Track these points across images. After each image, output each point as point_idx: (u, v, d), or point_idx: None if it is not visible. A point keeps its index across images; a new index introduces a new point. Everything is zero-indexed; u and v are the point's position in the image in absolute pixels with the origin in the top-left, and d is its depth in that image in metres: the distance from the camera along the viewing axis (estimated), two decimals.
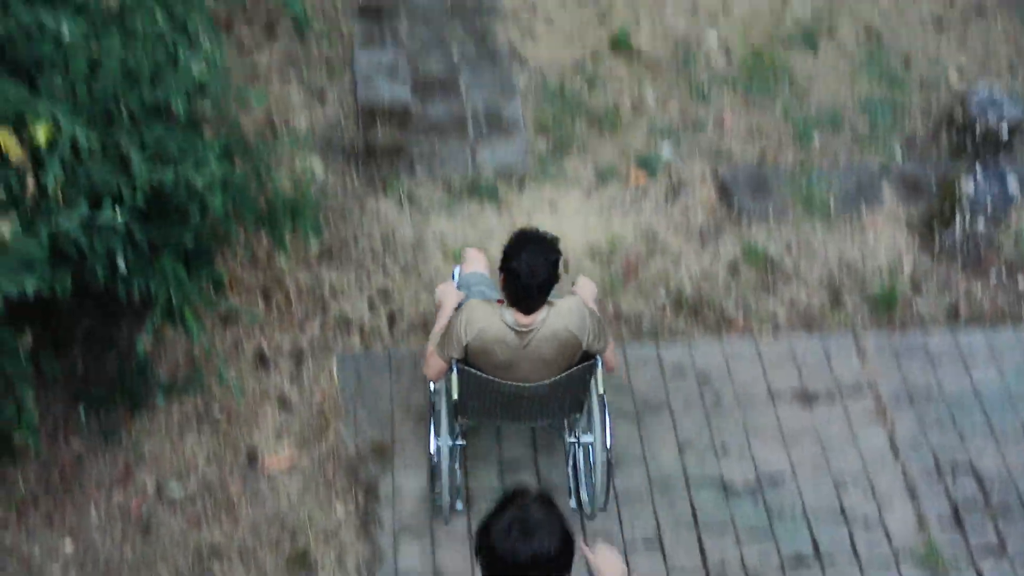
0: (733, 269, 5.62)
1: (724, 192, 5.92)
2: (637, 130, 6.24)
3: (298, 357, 5.04)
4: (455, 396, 3.88)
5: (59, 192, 3.19)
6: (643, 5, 7.09)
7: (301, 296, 5.22)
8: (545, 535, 2.41)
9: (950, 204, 5.65)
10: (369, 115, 6.00)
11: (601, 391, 3.96)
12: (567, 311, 3.78)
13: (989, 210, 5.57)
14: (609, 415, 4.14)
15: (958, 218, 5.61)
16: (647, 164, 6.05)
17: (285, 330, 5.12)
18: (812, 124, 6.37)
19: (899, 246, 5.77)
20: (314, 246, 5.29)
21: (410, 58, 6.39)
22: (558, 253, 3.69)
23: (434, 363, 3.92)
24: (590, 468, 4.30)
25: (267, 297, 5.19)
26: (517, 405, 4.01)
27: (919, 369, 5.27)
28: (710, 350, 5.27)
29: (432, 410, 4.37)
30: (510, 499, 2.49)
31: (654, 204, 5.88)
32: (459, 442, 4.34)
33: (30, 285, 3.13)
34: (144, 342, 4.13)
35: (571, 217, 5.74)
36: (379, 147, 5.88)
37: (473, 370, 3.81)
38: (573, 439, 4.46)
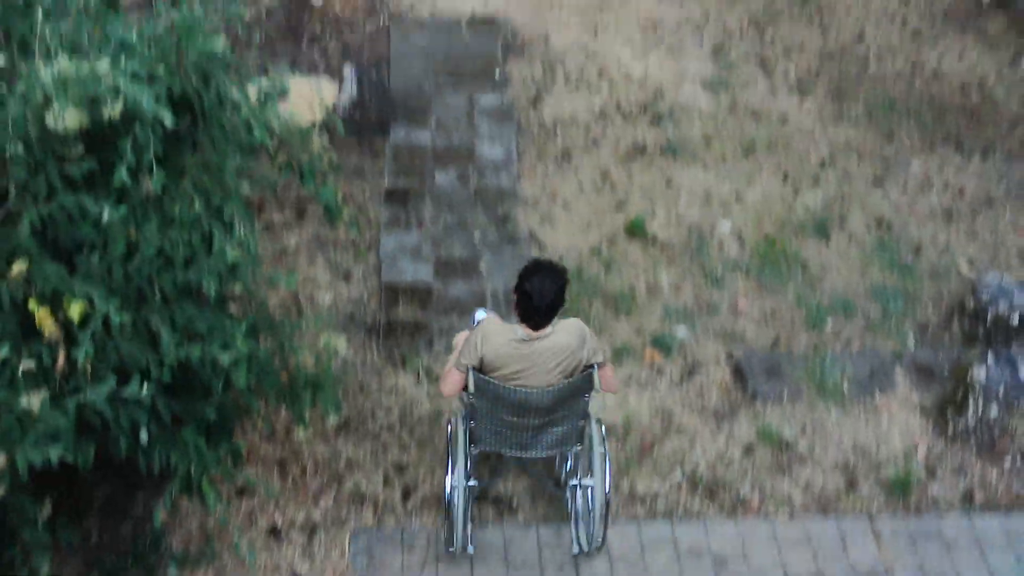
0: (748, 450, 5.65)
1: (739, 374, 6.01)
2: (652, 312, 6.38)
3: (311, 530, 5.05)
4: (470, 396, 4.53)
5: (88, 367, 3.31)
6: (658, 194, 7.37)
7: (317, 469, 5.28)
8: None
9: (963, 390, 5.70)
10: (392, 294, 6.20)
11: (597, 386, 4.55)
12: (570, 327, 4.54)
13: (1002, 396, 5.62)
14: (609, 461, 4.74)
15: (971, 404, 5.65)
16: (662, 344, 6.16)
17: (300, 503, 5.16)
18: (825, 310, 6.50)
19: (913, 431, 5.79)
20: (333, 420, 5.38)
21: (434, 241, 6.63)
22: (566, 279, 4.50)
23: (451, 378, 4.57)
24: (589, 510, 4.82)
25: (283, 469, 5.25)
26: (524, 427, 4.56)
27: (935, 554, 5.21)
28: (725, 532, 5.25)
29: (448, 453, 4.81)
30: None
31: (669, 384, 5.97)
32: (472, 483, 4.75)
33: (55, 455, 3.22)
34: (161, 512, 4.18)
35: None
36: (400, 324, 6.04)
37: (486, 376, 4.43)
38: (575, 482, 4.94)
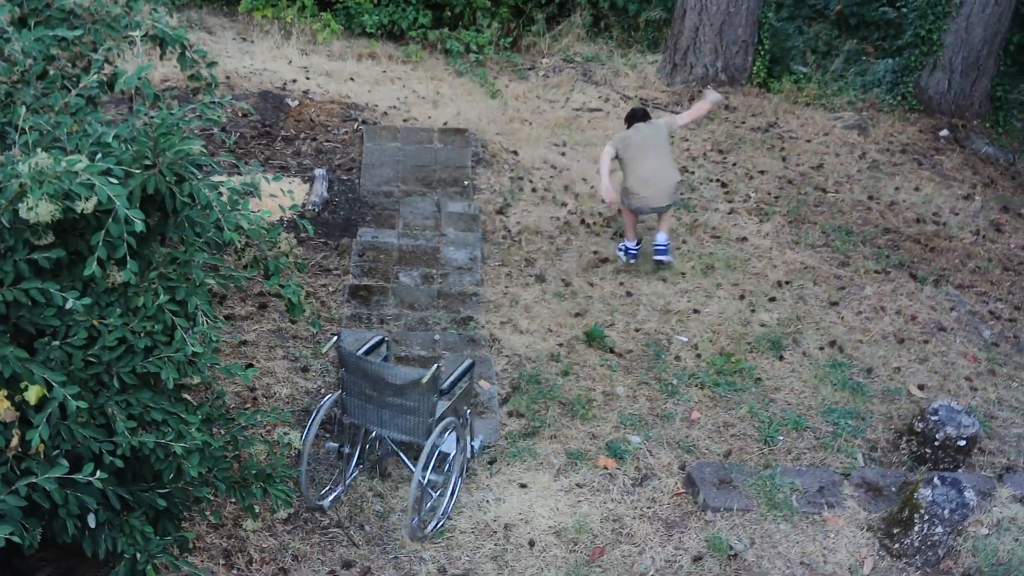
0: (697, 559, 5.68)
1: (690, 483, 6.08)
2: (607, 419, 6.48)
3: None
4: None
5: (42, 450, 3.37)
6: (617, 305, 7.54)
7: (263, 563, 5.26)
8: None
9: (910, 509, 5.80)
10: None
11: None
12: None
13: (947, 517, 5.71)
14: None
15: (917, 523, 5.74)
16: (616, 451, 6.24)
17: None
18: (777, 425, 6.62)
19: (860, 547, 5.86)
20: (282, 513, 5.39)
21: (395, 339, 6.73)
22: None
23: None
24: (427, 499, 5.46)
25: (229, 560, 5.23)
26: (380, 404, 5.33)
27: None
28: None
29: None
30: None
31: (621, 490, 6.03)
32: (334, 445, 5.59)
33: (2, 534, 3.24)
34: None
35: (540, 497, 5.86)
36: None
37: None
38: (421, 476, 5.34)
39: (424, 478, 5.29)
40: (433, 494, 5.49)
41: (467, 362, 5.76)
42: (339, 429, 5.81)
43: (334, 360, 5.46)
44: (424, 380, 5.12)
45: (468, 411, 5.83)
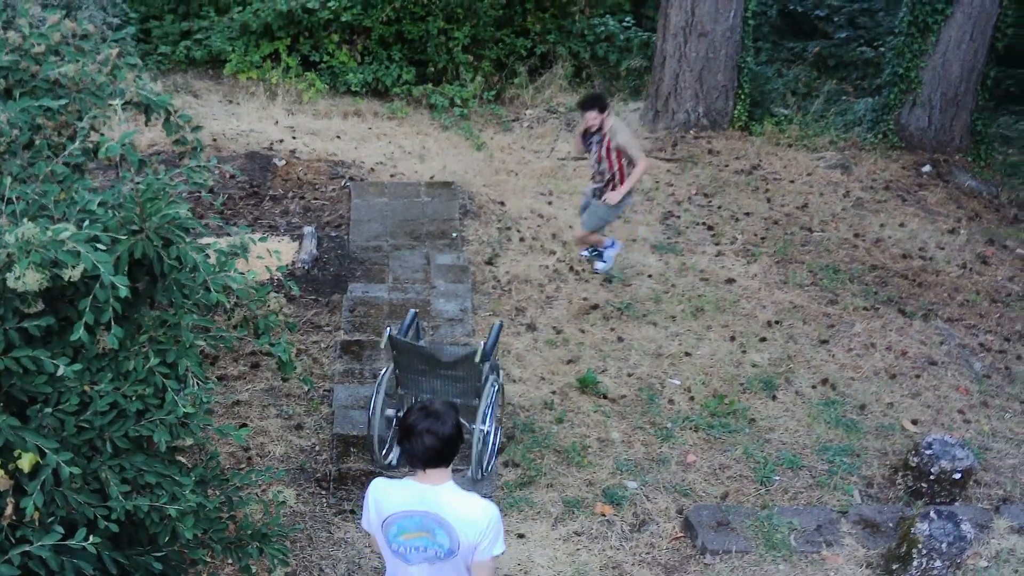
0: None
1: (688, 527, 6.07)
2: (603, 465, 6.48)
3: None
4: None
5: (36, 517, 3.37)
6: (609, 350, 7.57)
7: None
8: (443, 419, 3.59)
9: (907, 545, 5.79)
10: (343, 445, 6.27)
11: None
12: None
13: (945, 551, 5.70)
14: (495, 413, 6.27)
15: (915, 559, 5.73)
16: (613, 497, 6.24)
17: None
18: (773, 465, 6.62)
19: None
20: (280, 573, 5.36)
21: (386, 393, 6.72)
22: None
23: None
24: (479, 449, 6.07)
25: None
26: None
27: None
28: None
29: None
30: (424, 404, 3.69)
31: (620, 536, 6.01)
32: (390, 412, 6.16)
33: None
34: None
35: (538, 547, 5.85)
36: (351, 475, 6.09)
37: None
38: (473, 426, 6.03)
39: (483, 430, 6.03)
40: (489, 442, 6.23)
41: (498, 323, 6.40)
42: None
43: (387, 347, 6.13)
44: (477, 355, 5.91)
45: (500, 367, 6.65)
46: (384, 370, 6.22)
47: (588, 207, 8.21)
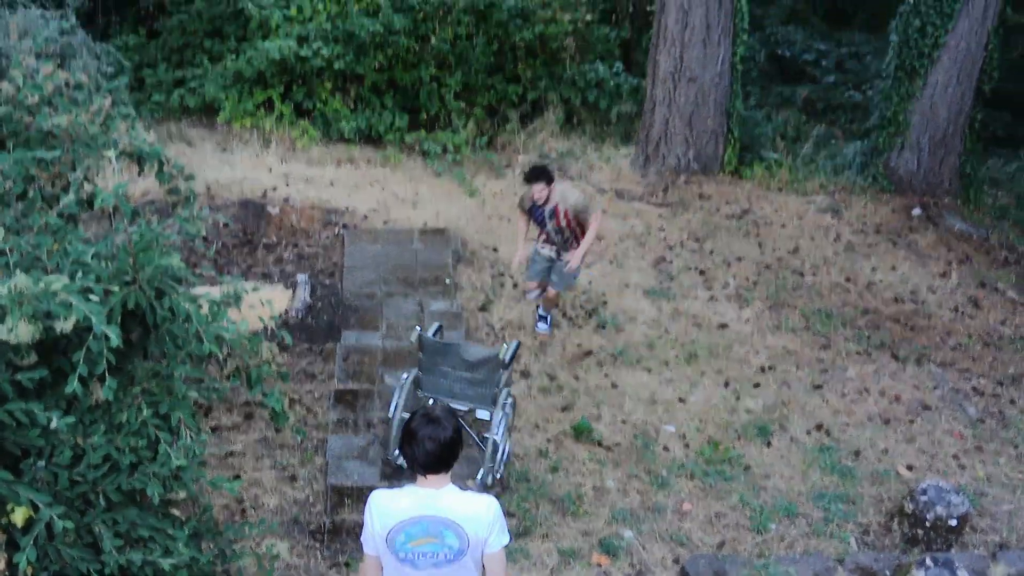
0: None
1: None
2: (599, 515, 6.44)
3: None
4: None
5: (29, 572, 3.32)
6: (603, 397, 7.55)
7: None
8: (443, 425, 3.67)
9: None
10: (337, 496, 6.21)
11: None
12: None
13: None
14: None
15: None
16: (609, 548, 6.18)
17: None
18: (769, 513, 6.58)
19: None
20: None
21: (381, 443, 6.70)
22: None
23: None
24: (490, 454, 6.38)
25: None
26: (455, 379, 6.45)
27: None
28: None
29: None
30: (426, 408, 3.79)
31: None
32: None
33: None
34: None
35: None
36: (345, 527, 6.04)
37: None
38: (486, 435, 6.41)
39: (498, 438, 6.38)
40: (499, 450, 6.54)
41: (515, 342, 6.78)
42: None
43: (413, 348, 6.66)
44: (500, 355, 6.31)
45: (511, 384, 7.02)
46: (406, 374, 6.60)
47: (553, 268, 8.00)
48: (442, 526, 3.71)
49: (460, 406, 6.54)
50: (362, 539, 3.91)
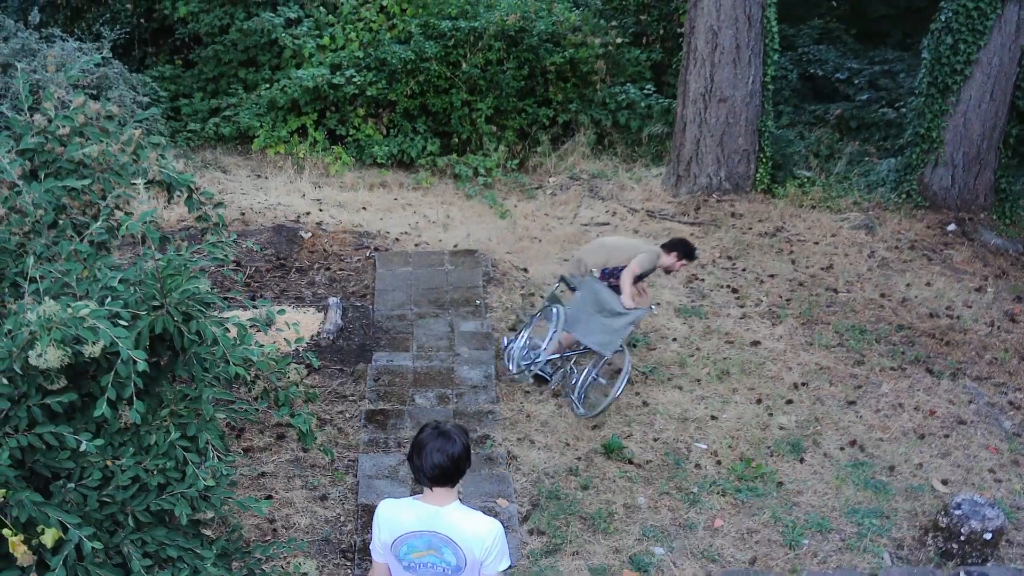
0: None
1: None
2: (630, 532, 6.44)
3: None
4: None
5: None
6: (634, 415, 7.56)
7: None
8: (453, 440, 3.72)
9: None
10: (368, 515, 6.26)
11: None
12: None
13: None
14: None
15: None
16: (640, 565, 6.18)
17: None
18: (801, 529, 6.55)
19: None
20: None
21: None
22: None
23: None
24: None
25: None
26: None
27: None
28: None
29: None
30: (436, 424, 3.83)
31: None
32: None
33: None
34: None
35: None
36: None
37: None
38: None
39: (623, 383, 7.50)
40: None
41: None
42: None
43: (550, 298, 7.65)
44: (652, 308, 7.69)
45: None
46: (531, 316, 7.88)
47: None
48: (442, 543, 3.78)
49: (592, 343, 7.53)
50: (371, 547, 4.01)
